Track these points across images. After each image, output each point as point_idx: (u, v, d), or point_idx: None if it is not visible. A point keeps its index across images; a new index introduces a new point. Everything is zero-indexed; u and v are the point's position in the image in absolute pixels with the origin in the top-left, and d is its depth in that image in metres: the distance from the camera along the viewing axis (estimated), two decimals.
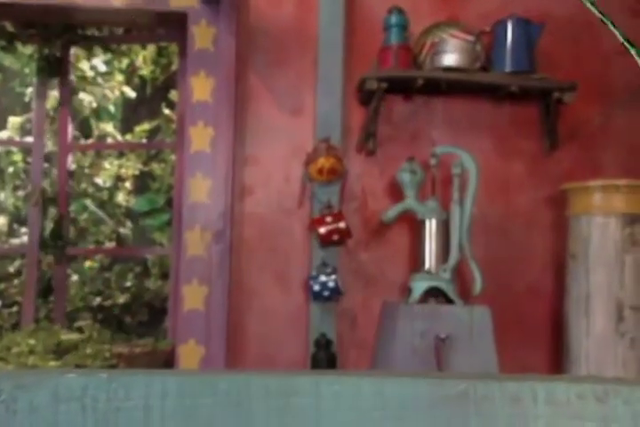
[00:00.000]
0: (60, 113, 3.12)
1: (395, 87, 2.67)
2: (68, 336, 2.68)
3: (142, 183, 5.00)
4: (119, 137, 4.94)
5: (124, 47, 3.77)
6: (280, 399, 0.79)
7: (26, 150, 4.61)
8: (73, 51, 3.14)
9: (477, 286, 2.51)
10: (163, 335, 3.68)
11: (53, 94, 3.84)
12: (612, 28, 0.75)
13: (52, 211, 3.66)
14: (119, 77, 4.49)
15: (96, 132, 4.39)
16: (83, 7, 2.76)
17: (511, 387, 1.03)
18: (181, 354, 2.63)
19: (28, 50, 3.83)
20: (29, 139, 3.50)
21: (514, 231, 2.80)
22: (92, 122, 4.14)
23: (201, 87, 2.72)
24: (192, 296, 2.64)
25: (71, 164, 3.39)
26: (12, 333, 2.73)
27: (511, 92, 2.68)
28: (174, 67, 4.09)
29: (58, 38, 2.97)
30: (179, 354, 2.64)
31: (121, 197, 5.06)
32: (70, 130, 3.16)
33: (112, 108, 4.58)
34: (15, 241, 4.90)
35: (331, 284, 2.60)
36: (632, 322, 2.39)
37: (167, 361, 2.75)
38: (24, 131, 4.80)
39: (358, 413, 0.96)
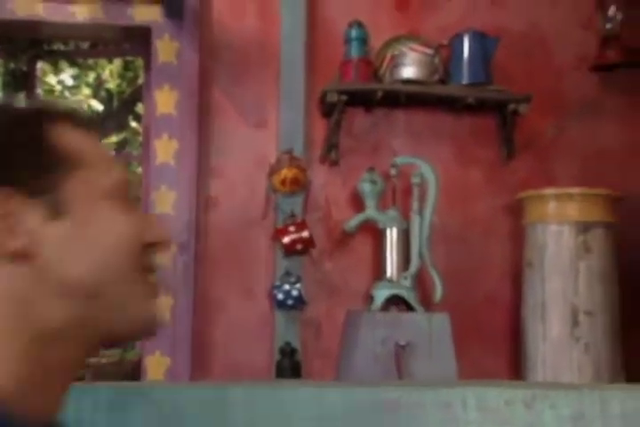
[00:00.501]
0: None
1: (355, 100, 2.73)
2: None
3: None
4: None
5: (90, 61, 3.80)
6: (212, 411, 0.83)
7: None
8: (39, 65, 3.16)
9: (438, 293, 2.57)
10: (131, 346, 3.70)
11: None
12: None
13: None
14: (86, 91, 4.51)
15: None
16: (48, 22, 2.79)
17: (442, 394, 1.08)
18: (148, 365, 2.66)
19: None
20: None
21: (473, 240, 2.87)
22: None
23: (165, 100, 2.76)
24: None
25: None
26: None
27: (468, 103, 2.75)
28: (140, 80, 4.12)
29: (23, 53, 3.00)
30: (145, 365, 2.66)
31: None
32: None
33: None
34: None
35: (294, 293, 2.65)
36: (586, 327, 2.45)
37: (134, 371, 2.78)
38: None
39: (294, 421, 1.00)
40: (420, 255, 2.59)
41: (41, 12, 2.70)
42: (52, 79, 4.17)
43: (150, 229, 0.79)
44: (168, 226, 0.84)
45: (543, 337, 2.50)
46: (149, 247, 0.78)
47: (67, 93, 4.31)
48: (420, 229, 2.60)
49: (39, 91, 3.52)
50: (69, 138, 0.76)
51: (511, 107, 2.76)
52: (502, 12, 2.91)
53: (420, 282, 2.67)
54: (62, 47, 3.13)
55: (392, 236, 2.61)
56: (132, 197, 0.81)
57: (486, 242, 2.86)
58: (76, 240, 0.72)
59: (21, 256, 0.70)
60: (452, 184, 2.83)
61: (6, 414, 0.65)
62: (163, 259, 0.77)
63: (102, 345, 0.77)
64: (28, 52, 2.98)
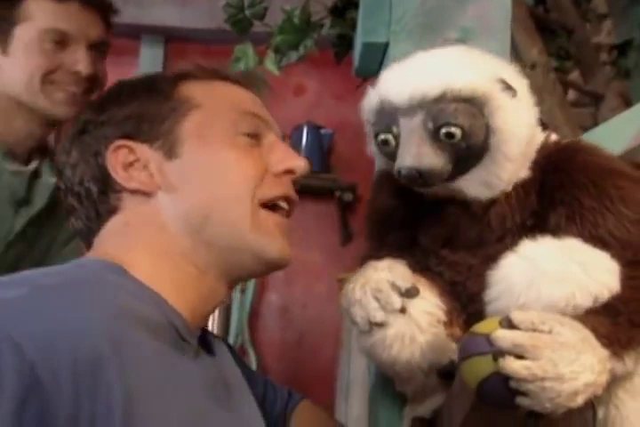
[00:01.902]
0: None
1: None
2: None
3: None
4: None
5: None
6: None
7: None
8: None
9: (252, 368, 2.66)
10: None
11: None
12: None
13: None
14: None
15: None
16: None
17: None
18: None
19: None
20: None
21: (310, 315, 2.99)
22: None
23: None
24: None
25: None
26: None
27: (304, 190, 2.93)
28: None
29: None
30: None
31: None
32: None
33: None
34: None
35: None
36: None
37: None
38: None
39: None
40: (239, 331, 2.71)
41: None
42: None
43: (275, 162, 0.85)
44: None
45: (346, 416, 2.56)
46: (275, 178, 0.84)
47: None
48: (240, 306, 2.72)
49: None
50: (186, 87, 0.86)
51: (345, 194, 2.94)
52: (344, 106, 3.14)
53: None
54: None
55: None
56: (255, 131, 0.85)
57: (323, 317, 2.98)
58: (188, 175, 0.81)
59: (152, 191, 0.81)
60: (294, 264, 2.97)
61: (175, 312, 0.76)
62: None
63: (231, 276, 0.83)
64: None
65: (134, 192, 0.82)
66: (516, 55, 2.68)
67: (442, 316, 0.84)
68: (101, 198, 0.83)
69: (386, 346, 0.83)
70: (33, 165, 1.35)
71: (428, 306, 0.84)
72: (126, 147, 0.82)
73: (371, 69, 1.17)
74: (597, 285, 0.74)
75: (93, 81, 1.32)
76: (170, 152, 0.82)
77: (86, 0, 1.31)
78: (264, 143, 0.87)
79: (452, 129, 0.78)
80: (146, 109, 0.83)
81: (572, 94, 3.09)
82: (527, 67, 2.58)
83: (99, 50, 1.34)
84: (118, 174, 0.82)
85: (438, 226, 0.87)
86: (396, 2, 1.09)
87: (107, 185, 0.82)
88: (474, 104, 0.78)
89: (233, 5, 1.42)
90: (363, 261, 0.95)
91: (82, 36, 1.30)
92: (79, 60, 1.29)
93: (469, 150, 0.80)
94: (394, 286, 0.83)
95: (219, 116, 0.84)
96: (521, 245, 0.78)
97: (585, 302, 0.73)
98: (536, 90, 3.08)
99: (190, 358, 0.77)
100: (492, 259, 0.80)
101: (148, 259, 0.80)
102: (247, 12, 1.41)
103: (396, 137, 0.81)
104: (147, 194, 0.82)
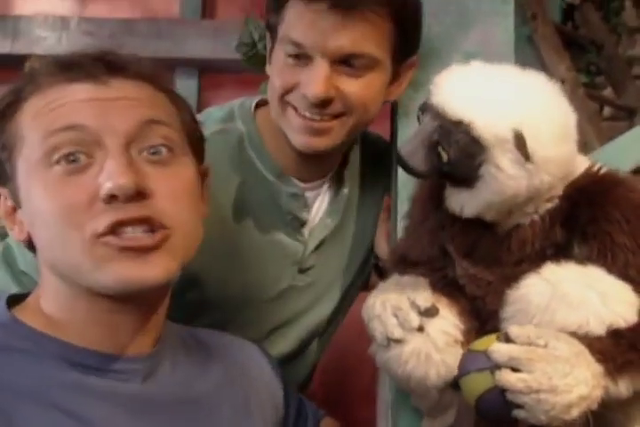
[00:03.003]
0: None
1: None
2: None
3: None
4: None
5: None
6: None
7: None
8: None
9: None
10: None
11: None
12: None
13: None
14: None
15: None
16: None
17: None
18: None
19: None
20: None
21: (349, 333, 2.98)
22: None
23: None
24: None
25: None
26: None
27: None
28: None
29: None
30: None
31: None
32: None
33: None
34: None
35: None
36: None
37: None
38: None
39: None
40: None
41: None
42: None
43: (100, 186, 0.72)
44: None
45: None
46: (104, 203, 0.72)
47: None
48: None
49: None
50: (19, 114, 0.77)
51: None
52: None
53: None
54: None
55: None
56: (74, 151, 0.73)
57: (362, 336, 2.98)
58: (30, 223, 0.77)
59: (26, 239, 0.78)
60: None
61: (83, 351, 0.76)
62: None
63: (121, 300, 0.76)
64: None
65: None
66: (545, 72, 2.70)
67: (459, 336, 0.86)
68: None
69: (401, 362, 0.85)
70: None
71: (446, 326, 0.86)
72: (2, 194, 0.80)
73: None
74: (613, 315, 0.75)
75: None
76: (16, 201, 0.78)
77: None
78: (98, 157, 0.74)
79: (442, 152, 0.80)
80: None
81: (608, 109, 3.08)
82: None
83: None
84: (6, 224, 0.81)
85: (462, 237, 0.89)
86: None
87: None
88: (475, 146, 0.79)
89: (245, 43, 1.44)
90: (394, 256, 0.98)
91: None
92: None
93: (453, 175, 0.82)
94: (413, 305, 0.85)
95: (35, 147, 0.74)
96: (544, 267, 0.79)
97: (598, 329, 0.75)
98: None
99: (137, 383, 0.78)
100: (508, 279, 0.81)
101: (50, 302, 0.79)
102: (259, 46, 1.43)
103: (420, 122, 0.84)
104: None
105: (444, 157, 0.80)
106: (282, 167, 1.13)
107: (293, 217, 1.15)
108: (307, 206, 1.16)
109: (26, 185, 0.75)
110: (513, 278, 0.81)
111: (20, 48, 2.80)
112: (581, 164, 0.87)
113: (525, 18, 2.77)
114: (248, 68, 1.85)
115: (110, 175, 0.72)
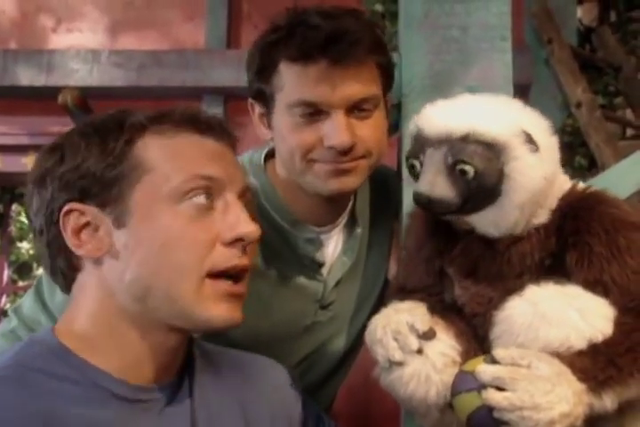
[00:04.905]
0: None
1: None
2: None
3: None
4: None
5: None
6: None
7: None
8: (14, 207, 3.69)
9: None
10: None
11: None
12: None
13: None
14: None
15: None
16: (22, 172, 3.29)
17: None
18: None
19: None
20: None
21: None
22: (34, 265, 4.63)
23: None
24: None
25: (5, 303, 3.84)
26: None
27: None
28: None
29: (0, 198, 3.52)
30: None
31: None
32: (7, 274, 3.64)
33: None
34: None
35: None
36: None
37: None
38: None
39: None
40: None
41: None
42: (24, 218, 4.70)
43: (225, 229, 0.81)
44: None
45: None
46: (225, 247, 0.80)
47: None
48: None
49: (12, 228, 4.03)
50: (142, 145, 0.82)
51: None
52: None
53: None
54: None
55: None
56: (206, 194, 0.81)
57: None
58: (133, 247, 0.80)
59: (100, 257, 0.81)
60: None
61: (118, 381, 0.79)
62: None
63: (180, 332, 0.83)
64: (4, 197, 3.50)
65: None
66: (563, 95, 2.74)
67: (456, 357, 0.90)
68: (63, 254, 0.84)
69: (403, 383, 0.89)
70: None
71: (444, 348, 0.90)
72: (77, 210, 0.81)
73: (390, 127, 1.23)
74: (592, 330, 0.80)
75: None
76: (118, 221, 0.81)
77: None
78: (218, 205, 0.83)
79: (466, 167, 0.84)
80: (97, 171, 0.81)
81: (630, 129, 3.11)
82: (573, 106, 2.63)
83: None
84: (69, 240, 0.82)
85: (463, 257, 0.93)
86: (406, 66, 1.18)
87: (63, 244, 0.83)
88: (492, 150, 0.84)
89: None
90: (392, 287, 1.02)
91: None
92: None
93: (480, 190, 0.86)
94: (412, 329, 0.89)
95: (167, 181, 0.81)
96: (526, 288, 0.84)
97: (579, 344, 0.79)
98: (582, 127, 3.14)
99: (154, 414, 0.82)
100: (510, 293, 0.86)
101: (89, 328, 0.82)
102: None
103: (422, 164, 0.88)
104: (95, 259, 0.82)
105: (470, 171, 0.84)
106: (297, 216, 1.19)
107: (311, 260, 1.21)
108: (322, 248, 1.22)
109: (144, 211, 0.80)
110: (515, 291, 0.85)
111: (54, 80, 2.93)
112: (565, 181, 0.94)
113: (542, 42, 2.83)
114: None
115: (240, 221, 0.82)
